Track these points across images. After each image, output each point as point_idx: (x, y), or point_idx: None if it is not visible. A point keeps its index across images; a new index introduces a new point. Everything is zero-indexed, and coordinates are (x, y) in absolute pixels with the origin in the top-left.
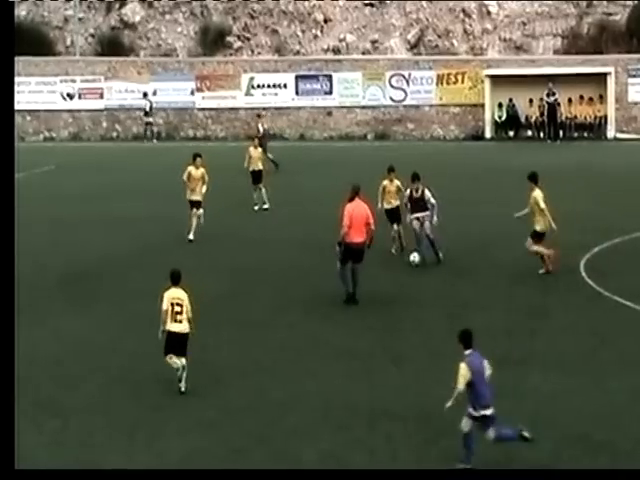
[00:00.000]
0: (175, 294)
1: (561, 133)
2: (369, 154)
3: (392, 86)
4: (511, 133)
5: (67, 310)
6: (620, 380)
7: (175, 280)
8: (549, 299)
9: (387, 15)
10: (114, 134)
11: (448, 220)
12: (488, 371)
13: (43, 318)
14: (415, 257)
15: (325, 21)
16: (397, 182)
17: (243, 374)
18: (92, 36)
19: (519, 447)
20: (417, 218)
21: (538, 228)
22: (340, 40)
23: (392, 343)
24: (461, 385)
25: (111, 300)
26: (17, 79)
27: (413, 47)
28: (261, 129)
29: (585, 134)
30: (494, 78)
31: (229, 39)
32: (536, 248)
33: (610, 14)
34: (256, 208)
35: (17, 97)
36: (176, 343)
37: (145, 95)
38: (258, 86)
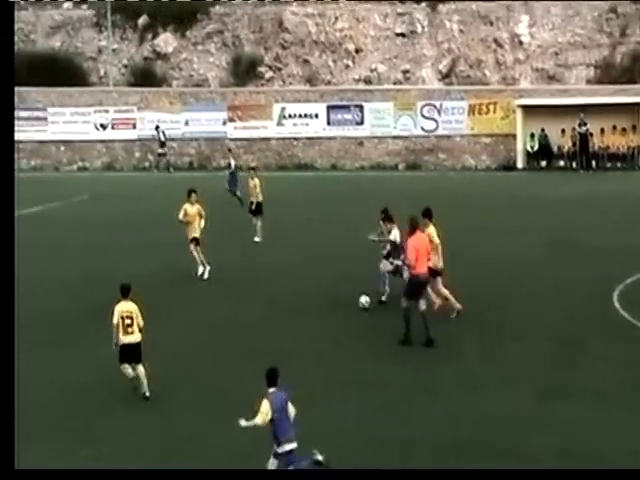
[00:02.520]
0: (124, 307)
1: (594, 163)
2: (400, 184)
3: (423, 116)
4: (543, 163)
5: (97, 338)
6: None
7: (124, 293)
8: (583, 330)
9: (419, 45)
10: (147, 164)
11: (478, 249)
12: (292, 410)
13: (74, 345)
14: (364, 300)
15: (357, 51)
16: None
17: None
18: (125, 67)
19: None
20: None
21: (431, 265)
22: (371, 70)
23: (425, 374)
24: (259, 420)
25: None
26: (52, 109)
27: (445, 77)
28: (232, 163)
29: (618, 164)
30: (526, 108)
31: (261, 69)
32: (444, 291)
33: None
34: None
35: (52, 127)
36: (130, 353)
37: (157, 128)
38: (290, 116)
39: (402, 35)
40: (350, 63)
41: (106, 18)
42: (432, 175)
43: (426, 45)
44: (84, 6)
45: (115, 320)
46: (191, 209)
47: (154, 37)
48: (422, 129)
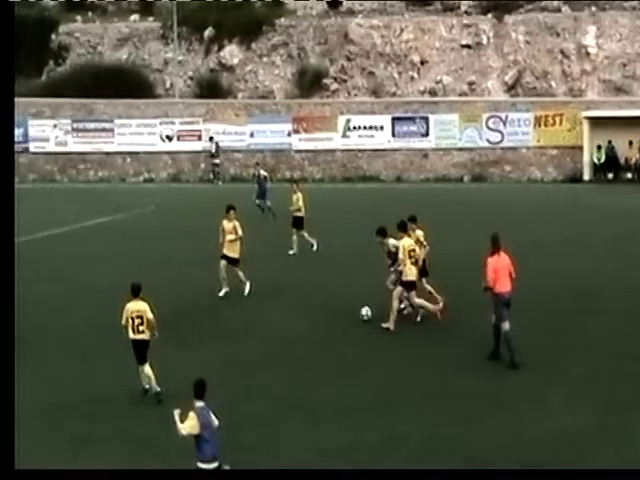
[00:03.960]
0: (135, 307)
1: None
2: (466, 196)
3: (489, 128)
4: (610, 175)
5: (169, 350)
6: None
7: (135, 293)
8: None
9: (484, 57)
10: (212, 175)
11: (546, 261)
12: (215, 421)
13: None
14: (364, 312)
15: (422, 63)
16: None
17: (340, 413)
18: (191, 79)
19: None
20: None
21: (404, 278)
22: (437, 82)
23: (492, 385)
24: (184, 431)
25: (212, 340)
26: (118, 121)
27: (510, 88)
28: (262, 174)
29: None
30: (593, 120)
31: (326, 81)
32: (419, 301)
33: None
34: (291, 252)
35: (118, 139)
36: (137, 350)
37: (211, 139)
38: (354, 128)
39: (468, 46)
40: (415, 75)
41: (172, 30)
42: (497, 187)
43: (492, 56)
44: (150, 18)
45: (123, 321)
46: (227, 225)
47: (220, 49)
48: (487, 141)
